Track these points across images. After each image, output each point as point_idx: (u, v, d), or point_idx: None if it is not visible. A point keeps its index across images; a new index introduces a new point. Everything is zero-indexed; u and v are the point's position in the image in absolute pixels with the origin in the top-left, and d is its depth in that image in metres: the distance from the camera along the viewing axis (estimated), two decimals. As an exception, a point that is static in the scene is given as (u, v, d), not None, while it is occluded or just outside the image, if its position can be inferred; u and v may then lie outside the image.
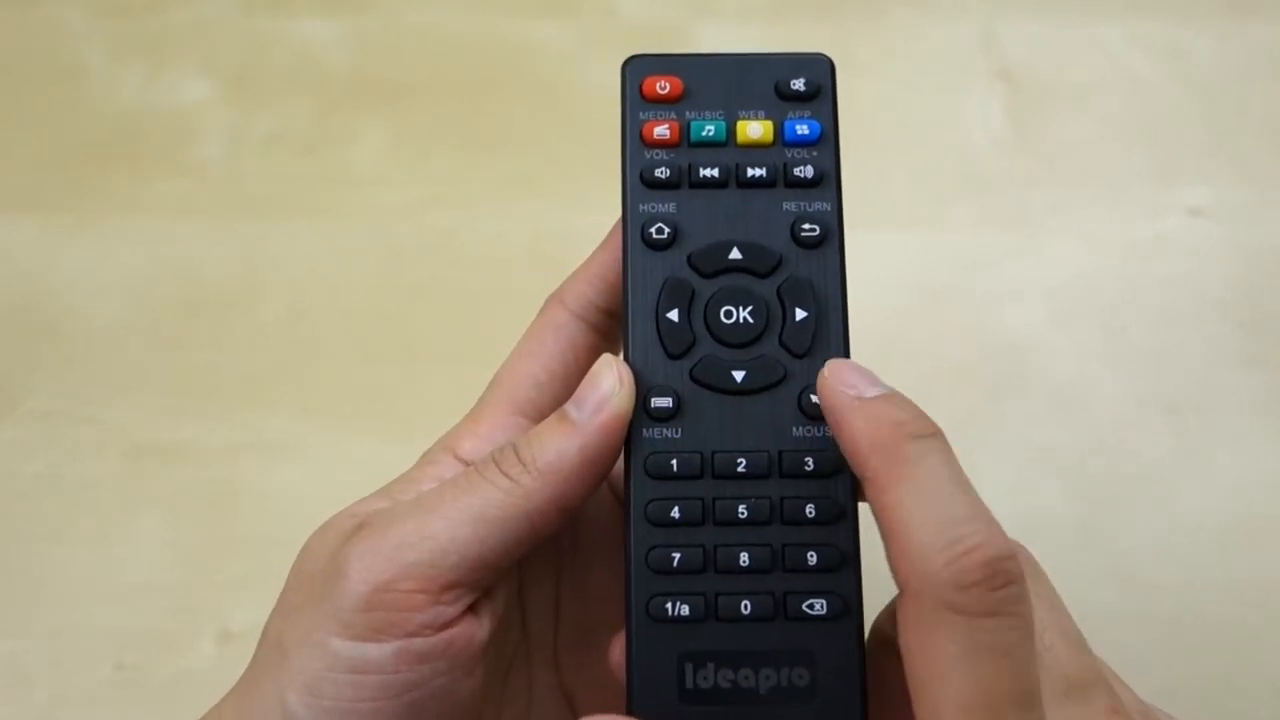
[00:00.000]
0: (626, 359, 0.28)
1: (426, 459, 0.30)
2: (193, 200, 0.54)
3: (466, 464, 0.29)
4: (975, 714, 0.22)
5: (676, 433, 0.28)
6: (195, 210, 0.54)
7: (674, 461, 0.28)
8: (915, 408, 0.25)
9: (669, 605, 0.27)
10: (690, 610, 0.27)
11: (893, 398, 0.25)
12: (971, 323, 0.51)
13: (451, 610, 0.27)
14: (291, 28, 0.57)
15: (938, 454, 0.24)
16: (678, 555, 0.27)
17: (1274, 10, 0.57)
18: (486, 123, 0.56)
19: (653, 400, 0.28)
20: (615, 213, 0.31)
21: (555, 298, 0.32)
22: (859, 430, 0.25)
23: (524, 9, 0.58)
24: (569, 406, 0.28)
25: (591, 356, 0.31)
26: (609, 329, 0.31)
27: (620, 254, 0.30)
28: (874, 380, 0.26)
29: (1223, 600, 0.46)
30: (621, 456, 0.28)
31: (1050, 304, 0.51)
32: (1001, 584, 0.22)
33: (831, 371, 0.26)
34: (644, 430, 0.28)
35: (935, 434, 0.25)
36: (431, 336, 0.51)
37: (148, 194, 0.54)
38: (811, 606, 0.27)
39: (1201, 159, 0.54)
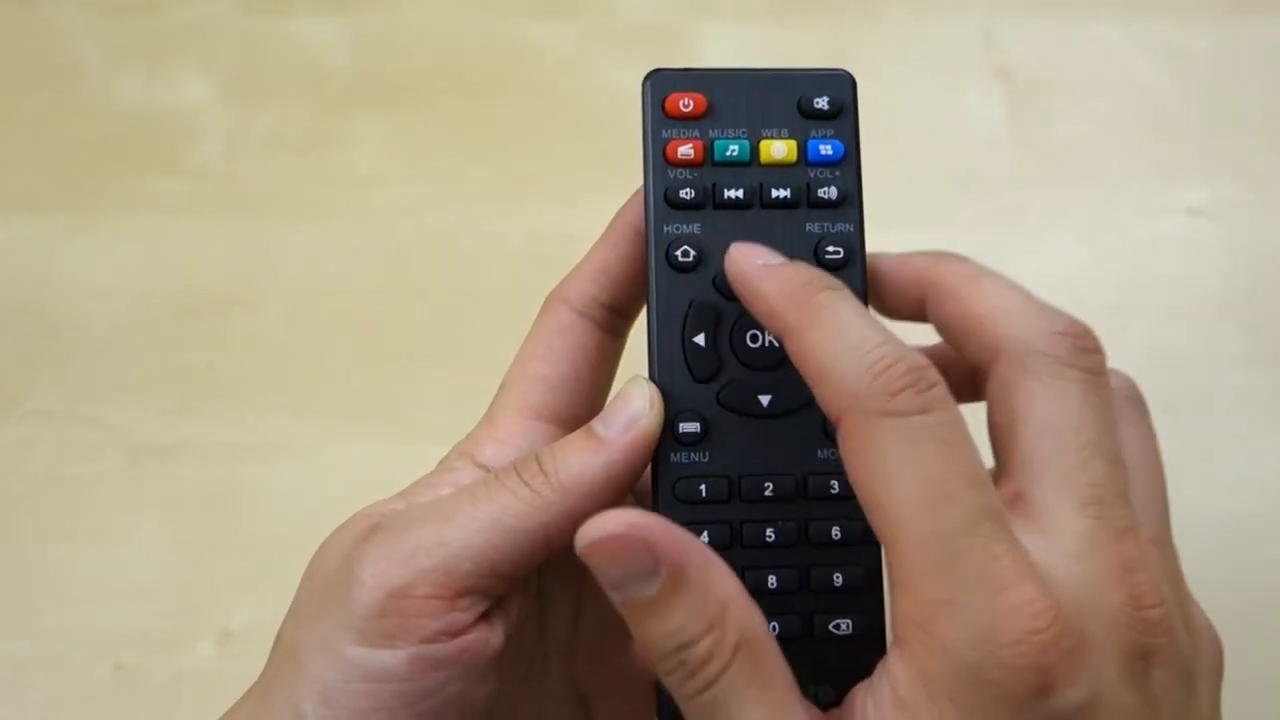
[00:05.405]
0: (652, 379, 0.28)
1: (445, 465, 0.30)
2: (192, 200, 0.54)
3: (486, 470, 0.29)
4: (927, 500, 0.23)
5: (704, 457, 0.28)
6: (194, 210, 0.54)
7: (703, 486, 0.28)
8: (820, 270, 0.27)
9: None
10: None
11: (798, 263, 0.27)
12: (971, 322, 0.51)
13: (465, 617, 0.27)
14: (290, 27, 0.57)
15: (847, 300, 0.26)
16: None
17: (1274, 10, 0.57)
18: (485, 123, 0.56)
19: (680, 425, 0.28)
20: (614, 213, 0.31)
21: (558, 296, 0.31)
22: (773, 290, 0.26)
23: (523, 9, 0.58)
24: (596, 423, 0.28)
25: (600, 355, 0.31)
26: (615, 325, 0.31)
27: (620, 249, 0.30)
28: (778, 254, 0.27)
29: (1222, 599, 0.46)
30: (649, 476, 0.28)
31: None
32: (927, 386, 0.24)
33: (738, 249, 0.27)
34: (672, 455, 0.28)
35: (842, 287, 0.26)
36: (431, 336, 0.51)
37: (147, 194, 0.54)
38: (838, 627, 0.27)
39: (1201, 159, 0.54)
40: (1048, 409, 0.25)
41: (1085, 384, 0.25)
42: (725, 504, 0.28)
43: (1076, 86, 0.56)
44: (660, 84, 0.29)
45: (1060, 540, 0.24)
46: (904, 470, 0.23)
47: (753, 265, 0.26)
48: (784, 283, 0.26)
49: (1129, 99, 0.55)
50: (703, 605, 0.24)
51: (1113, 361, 0.53)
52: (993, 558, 0.22)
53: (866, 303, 0.29)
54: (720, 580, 0.24)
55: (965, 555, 0.22)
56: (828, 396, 0.24)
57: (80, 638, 0.46)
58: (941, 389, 0.24)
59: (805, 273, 0.26)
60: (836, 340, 0.24)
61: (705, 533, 0.27)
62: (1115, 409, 0.26)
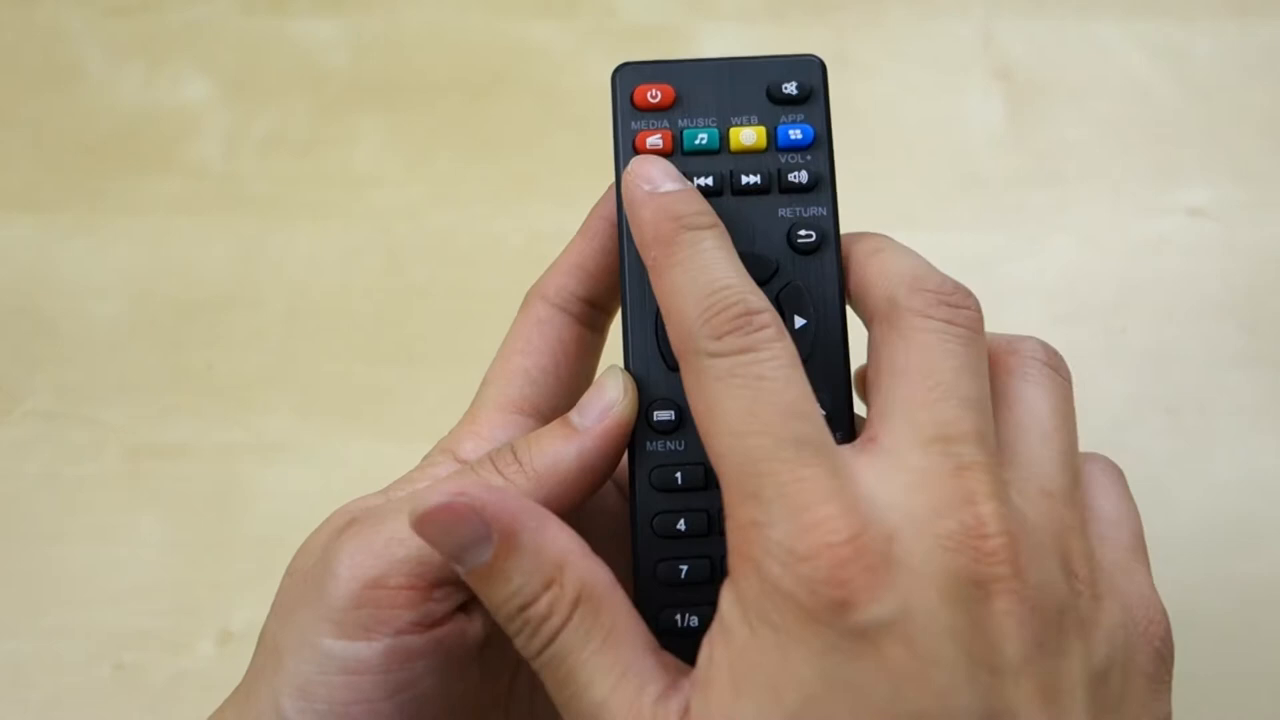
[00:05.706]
0: (627, 368, 0.28)
1: (426, 461, 0.30)
2: (191, 200, 0.54)
3: (466, 464, 0.29)
4: (739, 431, 0.23)
5: (680, 445, 0.28)
6: (194, 210, 0.54)
7: (678, 474, 0.28)
8: (701, 203, 0.27)
9: (678, 617, 0.27)
10: (699, 621, 0.27)
11: (682, 193, 0.27)
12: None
13: (440, 608, 0.27)
14: (290, 27, 0.57)
15: (707, 241, 0.26)
16: (685, 567, 0.27)
17: (1274, 10, 0.57)
18: (485, 123, 0.56)
19: (655, 414, 0.28)
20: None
21: (536, 292, 0.31)
22: (646, 221, 0.26)
23: (522, 9, 0.58)
24: (572, 414, 0.28)
25: (579, 349, 0.31)
26: (593, 319, 0.31)
27: (596, 242, 0.30)
28: (672, 176, 0.27)
29: (1222, 600, 0.46)
30: (625, 464, 0.28)
31: (1050, 304, 0.51)
32: (755, 328, 0.24)
33: (634, 165, 0.27)
34: (648, 443, 0.28)
35: (713, 226, 0.26)
36: (430, 336, 0.51)
37: (146, 194, 0.54)
38: None
39: (1201, 159, 0.54)
40: (905, 357, 0.25)
41: (942, 332, 0.25)
42: (702, 491, 0.28)
43: (1076, 86, 0.56)
44: (628, 76, 0.30)
45: (895, 473, 0.24)
46: (721, 406, 0.24)
47: (639, 190, 0.27)
48: (655, 214, 0.26)
49: (1129, 99, 0.55)
50: (538, 564, 0.25)
51: (1113, 361, 0.54)
52: (796, 480, 0.23)
53: (845, 286, 0.29)
54: (555, 538, 0.25)
55: (771, 479, 0.23)
56: (671, 337, 0.25)
57: (80, 638, 0.46)
58: (770, 331, 0.24)
59: (678, 206, 0.26)
60: (685, 283, 0.25)
61: (682, 520, 0.28)
62: (980, 358, 0.26)
